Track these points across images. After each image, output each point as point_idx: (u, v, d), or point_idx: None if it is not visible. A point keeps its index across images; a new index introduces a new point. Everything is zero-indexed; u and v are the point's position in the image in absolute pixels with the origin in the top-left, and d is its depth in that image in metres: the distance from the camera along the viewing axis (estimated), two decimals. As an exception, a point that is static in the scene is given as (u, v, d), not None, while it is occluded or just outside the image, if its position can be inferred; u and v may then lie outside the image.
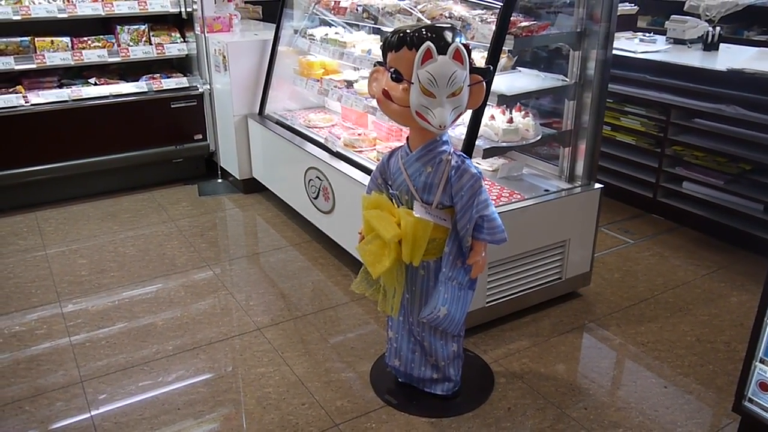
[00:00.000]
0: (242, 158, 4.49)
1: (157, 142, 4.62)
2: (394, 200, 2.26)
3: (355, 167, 3.33)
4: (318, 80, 3.95)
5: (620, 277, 3.43)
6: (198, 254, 3.68)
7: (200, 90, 4.63)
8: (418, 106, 1.96)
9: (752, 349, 2.13)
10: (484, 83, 2.04)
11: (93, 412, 2.41)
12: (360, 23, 3.63)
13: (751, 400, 2.15)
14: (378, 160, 3.35)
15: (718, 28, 4.33)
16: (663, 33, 4.72)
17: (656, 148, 4.10)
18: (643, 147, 4.17)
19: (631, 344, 2.85)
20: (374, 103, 3.37)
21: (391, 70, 2.01)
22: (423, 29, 1.95)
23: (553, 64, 3.04)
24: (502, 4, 2.47)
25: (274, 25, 4.80)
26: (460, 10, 2.94)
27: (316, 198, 3.63)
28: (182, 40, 4.72)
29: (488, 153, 2.74)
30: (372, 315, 3.05)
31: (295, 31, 4.29)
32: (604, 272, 3.47)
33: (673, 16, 4.60)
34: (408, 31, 1.96)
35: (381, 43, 2.11)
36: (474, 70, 2.00)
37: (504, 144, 2.75)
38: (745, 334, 2.88)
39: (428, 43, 1.90)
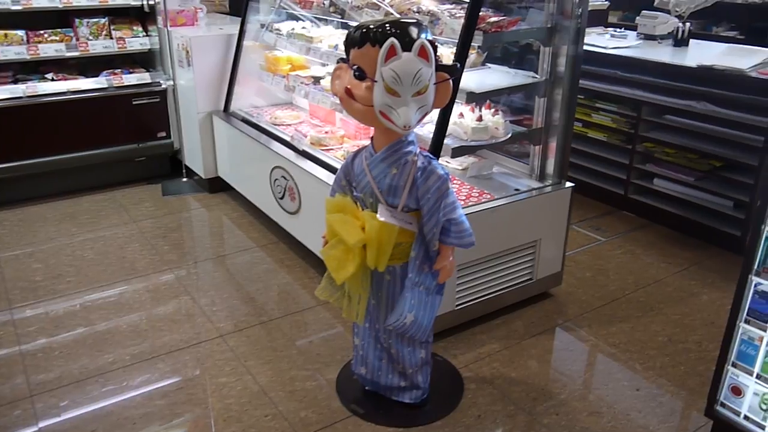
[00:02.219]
0: (207, 157, 4.35)
1: (119, 140, 4.45)
2: (358, 203, 2.17)
3: (321, 166, 3.23)
4: (284, 76, 3.83)
5: (591, 276, 3.39)
6: (160, 257, 3.55)
7: (163, 86, 4.48)
8: (381, 106, 1.87)
9: (724, 352, 2.09)
10: (451, 81, 1.95)
11: (41, 426, 2.29)
12: (327, 18, 3.53)
13: (723, 405, 2.12)
14: (344, 158, 3.25)
15: (688, 24, 4.31)
16: (634, 28, 4.70)
17: (627, 144, 4.07)
18: (615, 144, 4.14)
19: (603, 345, 2.81)
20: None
21: (354, 67, 1.91)
22: (387, 24, 1.86)
23: (524, 61, 2.97)
24: (470, -2, 2.39)
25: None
26: (428, 4, 2.86)
27: (281, 198, 3.52)
28: (145, 34, 4.56)
29: (457, 152, 2.66)
30: (339, 319, 2.96)
31: (262, 25, 4.17)
32: (576, 271, 3.42)
33: (643, 11, 4.57)
34: (371, 26, 1.87)
35: (344, 39, 2.01)
36: (440, 67, 1.92)
37: (473, 143, 2.67)
38: (716, 333, 2.87)
39: (392, 39, 1.81)
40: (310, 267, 3.42)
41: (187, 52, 4.12)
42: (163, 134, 4.61)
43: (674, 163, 3.84)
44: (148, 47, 4.56)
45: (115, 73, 4.44)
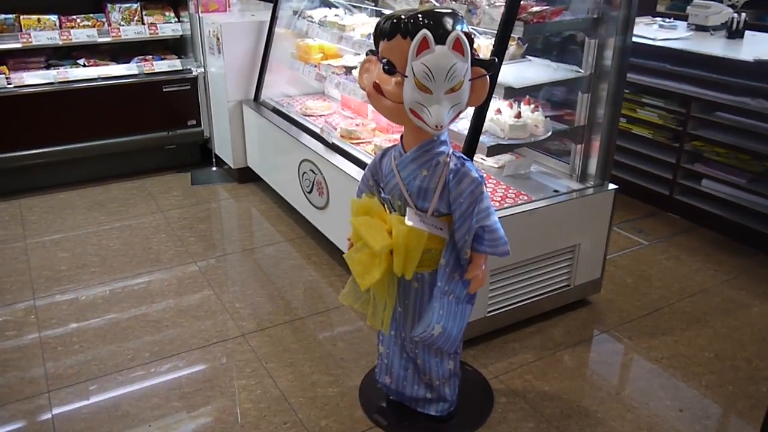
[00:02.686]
0: (237, 146, 4.27)
1: (149, 128, 4.41)
2: (386, 205, 2.04)
3: (351, 161, 3.11)
4: (316, 65, 3.71)
5: (633, 283, 3.20)
6: (185, 248, 3.49)
7: (194, 73, 4.41)
8: (412, 103, 1.73)
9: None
10: (488, 77, 1.80)
11: (56, 425, 2.23)
12: (361, 5, 3.39)
13: (778, 435, 1.94)
14: (375, 152, 3.12)
15: (743, 14, 4.05)
16: (684, 18, 4.44)
17: (674, 142, 3.84)
18: (660, 141, 3.91)
19: (644, 359, 2.64)
20: (372, 92, 3.20)
21: (383, 60, 1.78)
22: (419, 15, 1.71)
23: (566, 53, 2.79)
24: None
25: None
26: (466, -8, 2.69)
27: (310, 192, 3.41)
28: (177, 20, 4.49)
29: (493, 151, 2.51)
30: (365, 321, 2.84)
31: (294, 12, 4.05)
32: (616, 276, 3.24)
33: (695, 0, 4.31)
34: (402, 16, 1.73)
35: (372, 30, 1.88)
36: (476, 62, 1.77)
37: (511, 141, 2.52)
38: (765, 351, 2.67)
39: (424, 31, 1.67)
40: (338, 264, 3.31)
41: (218, 38, 4.03)
42: (194, 122, 4.54)
43: (725, 163, 3.61)
44: (180, 33, 4.48)
45: (146, 60, 4.38)
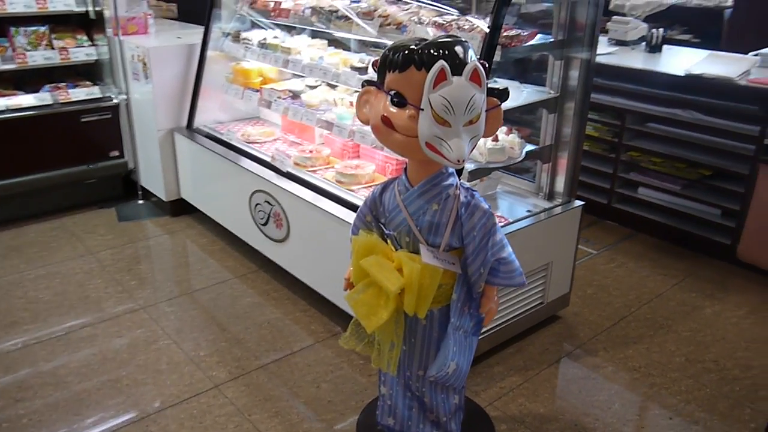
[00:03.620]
0: (169, 177, 3.99)
1: (66, 162, 4.02)
2: (389, 242, 1.94)
3: (312, 190, 2.97)
4: (257, 90, 3.54)
5: (593, 294, 3.29)
6: (128, 294, 3.19)
7: (115, 101, 4.08)
8: (429, 137, 1.65)
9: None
10: (501, 107, 1.76)
11: None
12: (307, 27, 3.26)
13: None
14: (337, 181, 3.01)
15: (661, 30, 4.30)
16: (604, 33, 4.66)
17: (611, 153, 4.01)
18: (597, 152, 4.07)
19: (623, 371, 2.69)
20: (328, 116, 3.09)
21: (391, 93, 1.69)
22: (432, 46, 1.64)
23: (531, 74, 2.82)
24: (493, 9, 2.20)
25: (194, 26, 4.37)
26: (429, 15, 2.66)
27: (265, 224, 3.23)
28: (90, 43, 4.14)
29: (474, 175, 2.48)
30: (343, 357, 2.72)
31: (224, 34, 3.85)
32: (577, 288, 3.29)
33: (614, 17, 4.54)
34: (413, 47, 1.64)
35: (374, 60, 1.78)
36: (489, 92, 1.72)
37: (490, 165, 2.50)
38: (729, 350, 2.82)
39: (442, 62, 1.60)
40: (300, 298, 3.15)
41: (144, 63, 3.75)
42: (116, 153, 4.20)
43: (661, 171, 3.80)
44: (95, 58, 4.14)
45: (59, 88, 4.00)
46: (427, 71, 1.61)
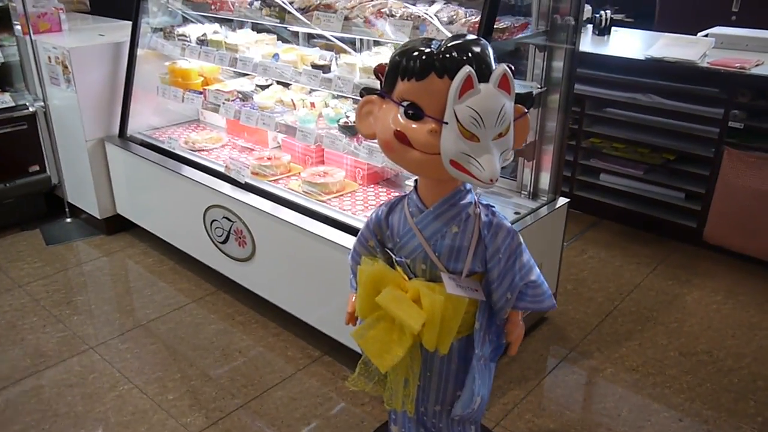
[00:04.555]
0: (102, 192, 3.57)
1: (-23, 182, 3.53)
2: (401, 269, 1.72)
3: (275, 202, 2.70)
4: (201, 92, 3.19)
5: (574, 289, 3.19)
6: (71, 332, 2.81)
7: (31, 109, 3.59)
8: (455, 154, 1.42)
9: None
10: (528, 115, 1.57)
11: None
12: (252, 21, 2.95)
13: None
14: (304, 191, 2.74)
15: (608, 11, 4.25)
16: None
17: (570, 140, 3.92)
18: (557, 140, 3.97)
19: (622, 372, 2.60)
20: (288, 119, 2.81)
21: (404, 104, 1.45)
22: (453, 48, 1.41)
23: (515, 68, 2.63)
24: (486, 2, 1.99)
25: (111, 21, 3.99)
26: (398, 6, 2.42)
27: (224, 242, 2.92)
28: (-5, 44, 3.63)
29: (466, 181, 2.28)
30: (330, 386, 2.49)
31: (153, 30, 3.46)
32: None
33: None
34: (430, 50, 1.41)
35: (378, 66, 1.54)
36: (516, 98, 1.52)
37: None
38: (717, 338, 2.81)
39: (468, 68, 1.38)
40: (269, 321, 2.88)
41: (66, 66, 3.30)
42: (36, 168, 3.72)
43: (623, 157, 3.75)
44: (2, 61, 3.64)
45: (-38, 97, 3.48)
46: (451, 79, 1.39)
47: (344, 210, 2.59)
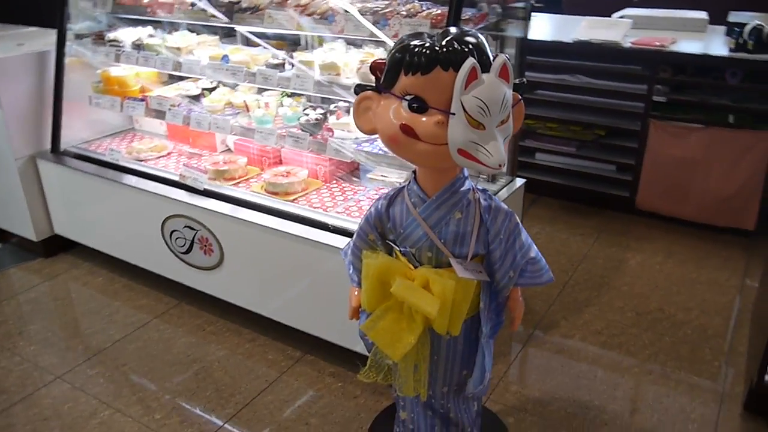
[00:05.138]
0: (37, 212, 3.36)
1: None
2: (405, 259, 1.76)
3: (239, 205, 2.66)
4: (141, 99, 3.07)
5: (529, 264, 3.35)
6: (33, 363, 2.65)
7: (-53, 130, 3.32)
8: (464, 143, 1.48)
9: None
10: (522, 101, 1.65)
11: None
12: (202, 23, 2.87)
13: None
14: (268, 192, 2.72)
15: (528, -1, 4.43)
16: None
17: (506, 123, 4.08)
18: (493, 124, 4.13)
19: (589, 336, 2.78)
20: (242, 121, 2.77)
21: (408, 98, 1.49)
22: (454, 41, 1.46)
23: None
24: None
25: (19, 28, 3.79)
26: (358, 2, 2.44)
27: (187, 252, 2.84)
28: None
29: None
30: (318, 384, 2.50)
31: (78, 36, 3.29)
32: (512, 262, 3.36)
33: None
34: (432, 44, 1.46)
35: (375, 62, 1.57)
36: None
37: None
38: (665, 296, 3.05)
39: (472, 60, 1.43)
40: (242, 327, 2.84)
41: (-14, 82, 3.08)
42: (-43, 193, 3.45)
43: (556, 136, 3.96)
44: None
45: None
46: (455, 71, 1.44)
47: (314, 207, 2.59)
